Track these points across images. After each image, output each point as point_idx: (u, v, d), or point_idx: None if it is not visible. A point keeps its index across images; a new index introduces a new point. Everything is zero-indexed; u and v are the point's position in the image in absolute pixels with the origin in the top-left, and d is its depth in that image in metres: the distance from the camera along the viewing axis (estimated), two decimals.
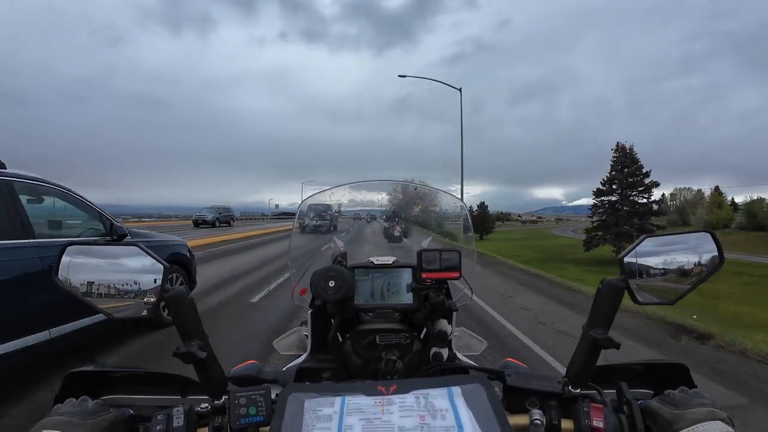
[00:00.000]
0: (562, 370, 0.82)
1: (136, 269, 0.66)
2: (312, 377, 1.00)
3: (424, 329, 1.06)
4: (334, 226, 1.70)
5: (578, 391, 0.70)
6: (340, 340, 1.03)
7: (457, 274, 0.98)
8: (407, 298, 1.03)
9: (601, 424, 0.63)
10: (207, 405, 0.65)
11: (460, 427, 0.49)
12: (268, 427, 0.61)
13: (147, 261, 0.66)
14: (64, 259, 0.66)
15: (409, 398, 0.53)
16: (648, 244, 0.73)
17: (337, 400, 0.54)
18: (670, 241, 0.74)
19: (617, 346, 0.67)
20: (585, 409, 0.65)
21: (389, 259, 1.11)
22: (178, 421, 0.60)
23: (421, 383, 0.57)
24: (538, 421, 0.66)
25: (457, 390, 0.55)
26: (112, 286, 0.66)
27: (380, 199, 1.54)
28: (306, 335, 1.20)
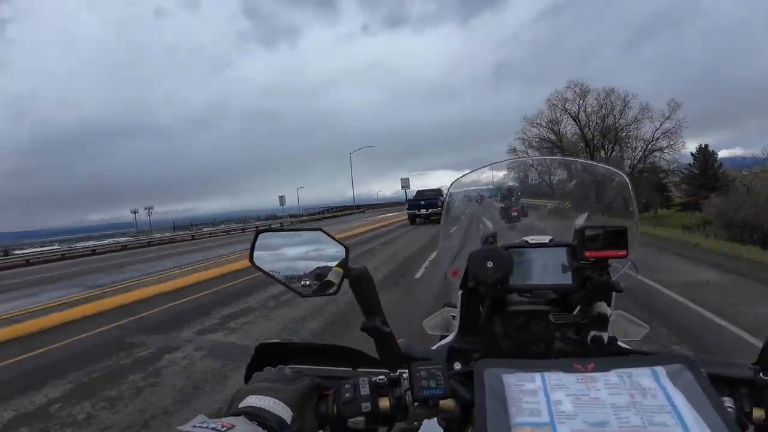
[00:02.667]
0: None
1: (321, 251, 0.73)
2: (462, 358, 0.99)
3: (576, 311, 0.99)
4: (470, 212, 1.65)
5: None
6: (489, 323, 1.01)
7: (624, 252, 0.91)
8: (565, 279, 0.98)
9: None
10: (384, 377, 0.69)
11: (673, 406, 0.45)
12: (447, 400, 0.64)
13: (329, 243, 0.72)
14: (258, 243, 0.75)
15: (613, 376, 0.50)
16: None
17: (537, 375, 0.53)
18: None
19: None
20: None
21: (545, 238, 1.06)
22: (365, 389, 0.65)
23: (620, 362, 0.53)
24: (729, 409, 0.60)
25: (661, 370, 0.51)
26: (300, 266, 0.73)
27: (520, 177, 1.47)
28: (453, 316, 1.20)
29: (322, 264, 0.72)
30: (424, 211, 24.13)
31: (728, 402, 0.61)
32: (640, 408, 0.46)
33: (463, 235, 1.38)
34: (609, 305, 0.97)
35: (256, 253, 0.75)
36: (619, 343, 0.99)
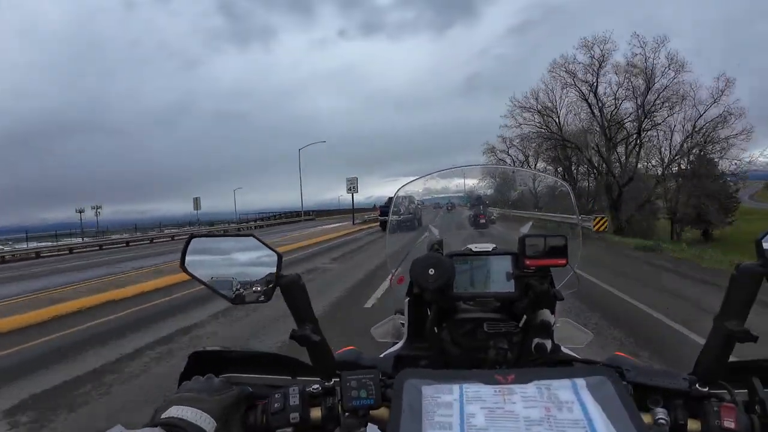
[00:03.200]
0: None
1: (253, 257, 0.71)
2: (409, 365, 1.00)
3: (523, 319, 1.01)
4: (418, 220, 1.68)
5: (707, 389, 0.62)
6: (437, 329, 1.01)
7: (563, 261, 0.94)
8: (508, 287, 0.99)
9: (732, 425, 0.57)
10: (318, 386, 0.67)
11: (589, 421, 0.46)
12: (379, 410, 0.63)
13: (262, 250, 0.70)
14: (189, 248, 0.72)
15: (531, 389, 0.51)
16: None
17: (456, 387, 0.52)
18: None
19: (755, 339, 0.60)
20: (715, 408, 0.59)
21: (488, 246, 1.07)
22: (294, 400, 0.63)
23: (540, 373, 0.54)
24: (662, 421, 0.60)
25: (581, 382, 0.51)
26: (230, 272, 0.71)
27: (471, 184, 1.50)
28: (402, 323, 1.20)
29: (254, 270, 0.70)
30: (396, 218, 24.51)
31: (662, 413, 0.61)
32: (553, 422, 0.46)
33: (411, 243, 1.39)
34: (552, 313, 0.99)
35: (188, 259, 0.72)
36: (564, 350, 1.01)
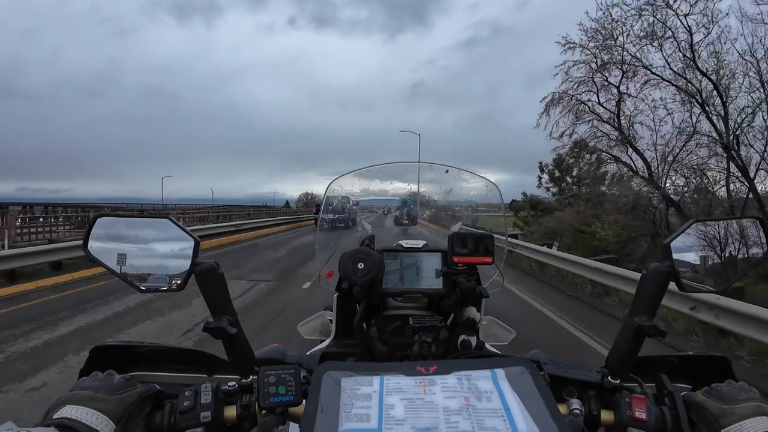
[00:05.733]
0: None
1: (167, 242, 0.65)
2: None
3: (451, 317, 1.04)
4: (352, 220, 1.67)
5: (618, 381, 0.67)
6: (365, 326, 1.01)
7: (489, 259, 0.97)
8: (436, 283, 1.01)
9: (643, 416, 0.61)
10: (235, 383, 0.63)
11: (506, 409, 0.47)
12: (298, 407, 0.60)
13: (178, 234, 0.64)
14: (94, 230, 0.65)
15: (451, 379, 0.51)
16: (696, 229, 0.71)
17: (376, 379, 0.52)
18: (719, 227, 0.73)
19: (663, 334, 0.64)
20: (626, 399, 0.63)
21: (419, 243, 1.08)
22: (206, 398, 0.59)
23: (462, 364, 0.55)
24: (577, 411, 0.64)
25: (500, 372, 0.53)
26: (141, 257, 0.64)
27: (404, 184, 1.51)
28: (330, 320, 1.19)
29: (168, 256, 0.64)
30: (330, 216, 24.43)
31: (576, 404, 0.64)
32: (472, 411, 0.46)
33: (342, 238, 1.38)
34: (479, 311, 1.02)
35: (92, 242, 0.65)
36: (488, 346, 1.04)
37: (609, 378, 0.67)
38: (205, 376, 0.75)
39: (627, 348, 0.67)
